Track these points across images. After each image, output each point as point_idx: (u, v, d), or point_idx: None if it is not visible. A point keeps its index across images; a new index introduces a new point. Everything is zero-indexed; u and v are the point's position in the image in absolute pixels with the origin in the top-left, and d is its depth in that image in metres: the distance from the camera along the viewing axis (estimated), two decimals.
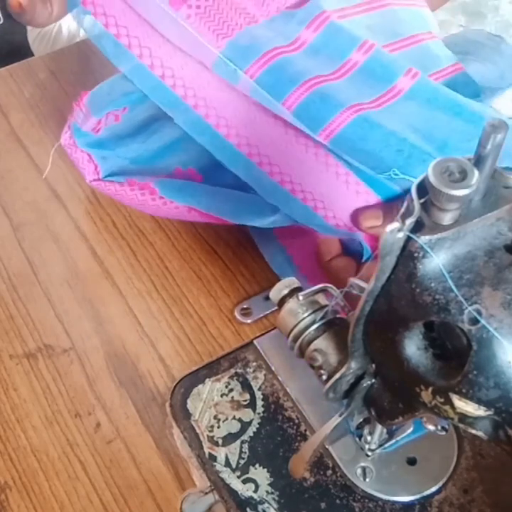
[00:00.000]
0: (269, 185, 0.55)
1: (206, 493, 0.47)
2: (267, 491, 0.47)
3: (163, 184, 0.58)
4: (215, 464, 0.48)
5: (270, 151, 0.54)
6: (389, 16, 0.60)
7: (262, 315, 0.56)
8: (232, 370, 0.53)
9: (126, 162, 0.61)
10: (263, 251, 0.59)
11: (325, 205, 0.53)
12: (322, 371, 0.39)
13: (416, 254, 0.30)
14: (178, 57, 0.54)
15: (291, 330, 0.41)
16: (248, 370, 0.53)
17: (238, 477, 0.47)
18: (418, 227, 0.30)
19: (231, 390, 0.51)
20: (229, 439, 0.49)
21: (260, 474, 0.47)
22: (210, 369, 0.53)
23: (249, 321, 0.56)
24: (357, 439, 0.47)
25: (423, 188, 0.30)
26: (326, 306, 0.41)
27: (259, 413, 0.50)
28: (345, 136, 0.52)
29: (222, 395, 0.51)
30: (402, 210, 0.31)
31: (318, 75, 0.53)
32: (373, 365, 0.37)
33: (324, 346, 0.39)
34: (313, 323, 0.40)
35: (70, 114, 0.61)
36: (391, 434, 0.46)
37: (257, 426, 0.50)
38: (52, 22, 0.56)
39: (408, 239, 0.30)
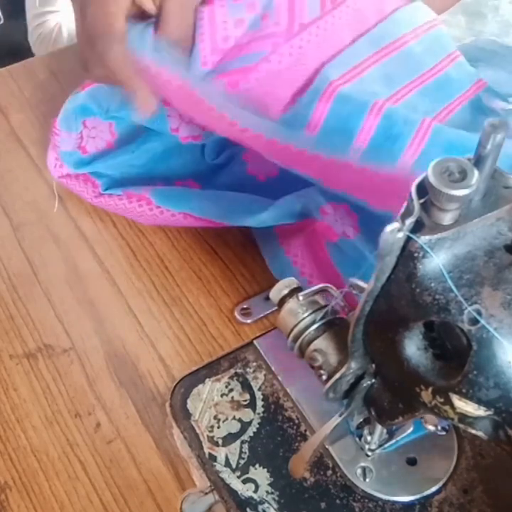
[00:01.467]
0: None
1: (206, 493, 0.47)
2: (267, 491, 0.47)
3: (158, 194, 0.59)
4: (215, 464, 0.48)
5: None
6: (403, 57, 0.59)
7: (262, 315, 0.56)
8: (232, 370, 0.53)
9: (119, 173, 0.62)
10: (263, 253, 0.60)
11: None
12: (322, 371, 0.39)
13: (416, 254, 0.30)
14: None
15: (291, 330, 0.41)
16: (248, 370, 0.53)
17: (238, 477, 0.47)
18: (418, 227, 0.30)
19: (231, 390, 0.51)
20: (229, 439, 0.49)
21: (260, 474, 0.47)
22: (210, 369, 0.53)
23: (249, 321, 0.56)
24: (357, 439, 0.47)
25: (423, 188, 0.30)
26: (326, 306, 0.41)
27: (259, 413, 0.50)
28: None
29: (222, 395, 0.51)
30: (402, 210, 0.31)
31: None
32: (373, 365, 0.37)
33: (324, 346, 0.39)
34: (313, 323, 0.40)
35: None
36: (391, 434, 0.46)
37: (257, 426, 0.50)
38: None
39: (408, 239, 0.30)
